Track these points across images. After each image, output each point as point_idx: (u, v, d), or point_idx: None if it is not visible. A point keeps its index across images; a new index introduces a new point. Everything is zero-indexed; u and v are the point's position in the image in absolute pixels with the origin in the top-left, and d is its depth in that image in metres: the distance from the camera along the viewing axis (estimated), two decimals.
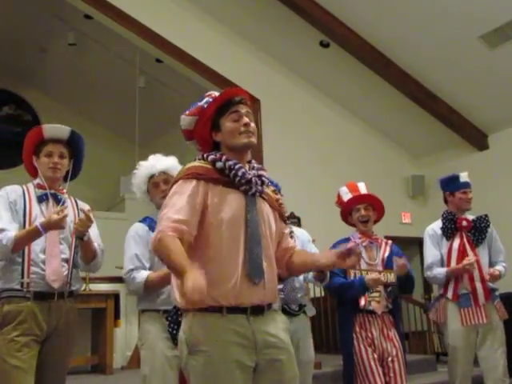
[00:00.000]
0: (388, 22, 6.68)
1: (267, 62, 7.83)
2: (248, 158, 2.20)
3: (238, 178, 2.04)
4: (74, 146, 2.93)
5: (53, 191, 2.83)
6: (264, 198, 2.16)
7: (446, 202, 3.98)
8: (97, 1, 6.62)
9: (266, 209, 2.14)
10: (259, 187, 2.11)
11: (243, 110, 2.15)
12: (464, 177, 3.90)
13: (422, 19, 6.44)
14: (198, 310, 1.91)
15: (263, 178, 2.16)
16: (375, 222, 3.60)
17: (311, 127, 8.06)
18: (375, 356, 3.25)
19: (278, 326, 2.06)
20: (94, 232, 2.91)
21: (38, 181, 2.85)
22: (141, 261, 2.79)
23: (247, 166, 2.15)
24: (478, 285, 3.64)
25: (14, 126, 10.23)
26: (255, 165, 2.20)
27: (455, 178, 3.91)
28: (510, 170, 7.40)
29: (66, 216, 2.60)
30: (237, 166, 2.05)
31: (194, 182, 2.00)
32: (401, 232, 7.86)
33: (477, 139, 7.96)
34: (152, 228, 2.85)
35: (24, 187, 2.82)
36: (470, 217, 3.87)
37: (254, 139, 2.12)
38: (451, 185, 3.91)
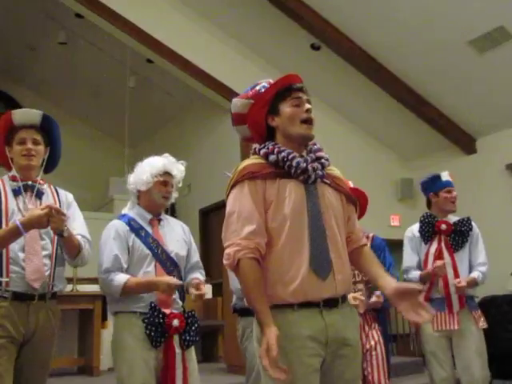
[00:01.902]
0: (379, 27, 6.70)
1: (258, 63, 7.82)
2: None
3: (293, 170, 1.95)
4: (48, 131, 2.72)
5: (30, 182, 2.62)
6: (326, 183, 2.05)
7: (428, 204, 3.83)
8: (88, 0, 6.60)
9: (329, 194, 2.03)
10: (319, 172, 2.00)
11: (304, 97, 2.08)
12: (445, 176, 3.76)
13: (413, 24, 6.47)
14: (270, 308, 1.84)
15: (323, 161, 2.05)
16: (360, 216, 3.58)
17: None
18: None
19: (351, 323, 1.98)
20: (79, 222, 2.75)
21: (12, 173, 2.64)
22: (120, 262, 2.72)
23: (304, 152, 2.05)
24: (453, 291, 3.52)
25: None
26: (313, 147, 2.10)
27: (437, 177, 3.76)
28: (497, 174, 7.45)
29: (48, 214, 2.38)
30: (290, 157, 1.96)
31: (251, 184, 1.92)
32: (389, 235, 7.84)
33: (465, 143, 8.00)
34: (132, 227, 2.80)
35: None
36: (454, 219, 3.73)
37: (312, 131, 2.05)
38: (434, 185, 3.75)
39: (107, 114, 10.20)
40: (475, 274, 3.60)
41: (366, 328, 3.32)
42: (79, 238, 2.66)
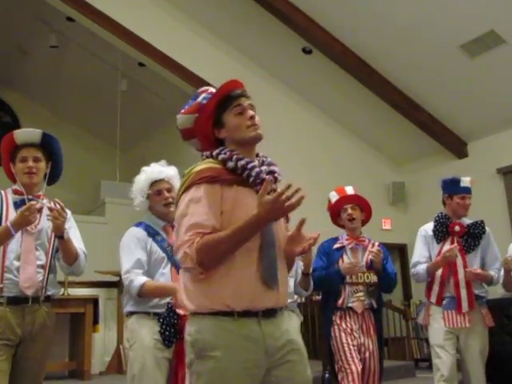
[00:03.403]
0: (370, 31, 6.74)
1: (250, 67, 7.84)
2: (255, 151, 2.09)
3: (252, 179, 1.93)
4: (48, 148, 2.90)
5: (30, 197, 2.79)
6: None
7: (444, 204, 3.86)
8: (79, 3, 6.58)
9: None
10: (273, 185, 1.96)
11: (245, 102, 2.05)
12: (465, 182, 3.79)
13: (404, 28, 6.51)
14: (209, 314, 1.84)
15: (275, 175, 2.03)
16: (364, 222, 3.66)
17: (293, 133, 8.08)
18: (354, 343, 3.30)
19: (290, 327, 1.97)
20: (75, 235, 2.91)
21: (15, 186, 2.82)
22: (142, 264, 2.83)
23: (256, 161, 2.03)
24: (463, 291, 3.56)
25: None
26: (264, 159, 2.08)
27: (456, 181, 3.80)
28: (488, 178, 7.50)
29: (33, 210, 2.57)
30: (249, 166, 1.94)
31: (208, 187, 1.88)
32: (381, 238, 7.79)
33: (456, 147, 8.05)
34: (149, 233, 2.92)
35: (2, 192, 2.80)
36: (467, 221, 3.77)
37: (261, 131, 2.03)
38: (450, 187, 3.80)
39: (99, 118, 10.16)
40: (493, 273, 3.68)
41: (364, 327, 3.38)
42: (76, 245, 2.83)
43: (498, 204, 7.36)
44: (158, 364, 2.70)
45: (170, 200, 2.93)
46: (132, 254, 2.84)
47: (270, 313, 1.88)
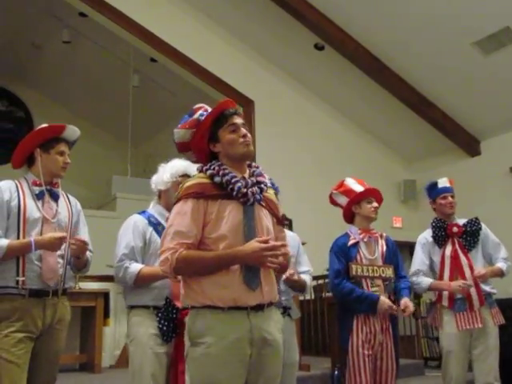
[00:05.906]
0: (383, 27, 6.71)
1: (262, 63, 7.84)
2: (247, 162, 2.31)
3: (234, 192, 2.15)
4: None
5: (48, 187, 2.83)
6: (262, 205, 2.25)
7: (434, 210, 3.96)
8: None
9: (264, 216, 2.24)
10: (257, 196, 2.20)
11: (239, 121, 2.27)
12: (442, 182, 3.90)
13: (417, 24, 6.47)
14: (202, 307, 2.07)
15: (262, 186, 2.24)
16: None
17: (305, 129, 8.07)
18: (370, 353, 3.27)
19: (274, 325, 2.18)
20: (85, 231, 2.97)
21: (32, 177, 2.83)
22: (135, 254, 2.83)
23: (247, 172, 2.26)
24: (472, 290, 3.60)
25: (5, 122, 10.19)
26: (255, 169, 2.30)
27: (434, 184, 3.93)
28: (501, 176, 7.45)
29: (63, 243, 2.66)
30: (233, 180, 2.15)
31: (194, 202, 2.12)
32: (392, 236, 7.85)
33: (469, 145, 8.00)
34: (151, 222, 2.93)
35: (17, 182, 2.80)
36: (461, 221, 3.83)
37: (251, 148, 2.25)
38: (431, 192, 3.93)
39: (111, 113, 10.21)
40: (501, 265, 3.72)
41: (384, 326, 3.33)
42: (88, 254, 2.92)
43: (510, 202, 7.31)
44: (158, 360, 2.69)
45: None
46: (129, 241, 2.84)
47: (258, 307, 2.11)
